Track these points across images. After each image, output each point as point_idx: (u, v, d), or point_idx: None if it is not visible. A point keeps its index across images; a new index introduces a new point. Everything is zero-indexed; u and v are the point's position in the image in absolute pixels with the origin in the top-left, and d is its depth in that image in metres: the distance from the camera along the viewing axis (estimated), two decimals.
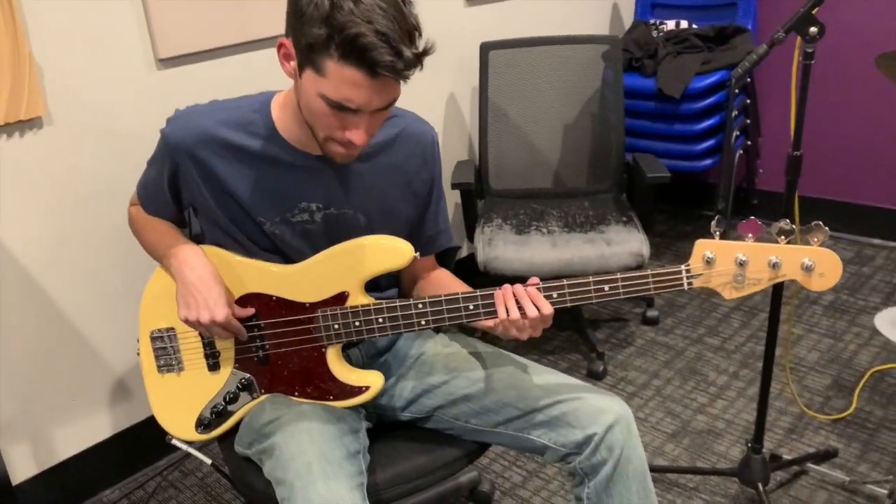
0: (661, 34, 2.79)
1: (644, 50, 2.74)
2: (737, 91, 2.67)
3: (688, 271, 1.20)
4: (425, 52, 1.09)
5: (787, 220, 1.18)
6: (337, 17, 1.05)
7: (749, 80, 2.77)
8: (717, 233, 1.20)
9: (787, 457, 1.89)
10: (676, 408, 2.16)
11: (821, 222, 1.17)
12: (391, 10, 1.06)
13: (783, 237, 1.18)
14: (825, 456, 1.92)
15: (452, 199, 2.59)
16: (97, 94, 1.76)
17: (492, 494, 1.89)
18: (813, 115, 2.98)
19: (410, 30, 1.07)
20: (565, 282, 1.22)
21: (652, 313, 2.57)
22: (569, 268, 2.14)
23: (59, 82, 1.69)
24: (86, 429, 1.92)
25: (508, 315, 1.20)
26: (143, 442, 2.02)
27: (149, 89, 1.84)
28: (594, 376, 2.29)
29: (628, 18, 3.12)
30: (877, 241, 2.99)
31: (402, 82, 1.12)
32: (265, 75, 1.98)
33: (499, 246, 2.20)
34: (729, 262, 1.19)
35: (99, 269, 1.86)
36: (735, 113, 2.70)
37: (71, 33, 1.68)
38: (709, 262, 1.19)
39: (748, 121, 2.87)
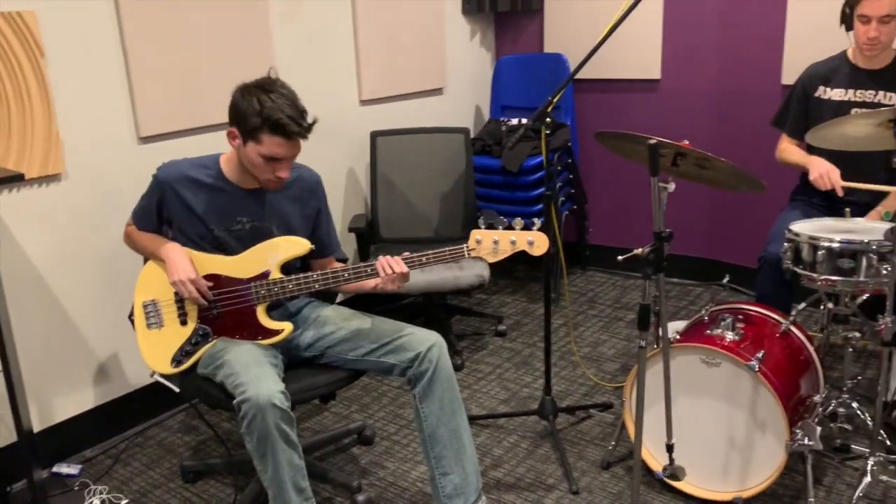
0: (506, 128, 3.79)
1: (494, 139, 3.73)
2: (560, 168, 3.67)
3: (467, 247, 2.07)
4: (313, 123, 2.01)
5: (521, 219, 2.08)
6: (265, 111, 1.95)
7: (570, 160, 3.77)
8: (483, 226, 2.08)
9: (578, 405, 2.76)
10: (510, 385, 3.01)
11: (536, 219, 2.07)
12: (292, 102, 1.99)
13: (518, 227, 2.08)
14: (604, 407, 2.79)
15: (351, 243, 3.46)
16: (97, 160, 2.58)
17: (373, 438, 2.67)
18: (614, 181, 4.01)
19: (303, 112, 1.99)
20: (406, 253, 2.08)
21: (501, 328, 3.45)
22: (433, 285, 3.01)
23: (72, 150, 2.50)
24: (74, 400, 2.63)
25: (386, 273, 2.04)
26: (117, 414, 2.73)
27: (132, 158, 2.67)
28: (455, 368, 3.12)
29: (486, 116, 4.16)
30: (675, 279, 3.98)
31: (303, 140, 2.01)
32: (212, 149, 2.84)
33: None
34: (489, 241, 2.07)
35: (90, 281, 2.62)
36: (560, 184, 3.69)
37: (82, 116, 2.51)
38: (478, 242, 2.07)
39: (573, 191, 3.86)
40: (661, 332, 2.13)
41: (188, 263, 2.06)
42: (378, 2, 3.47)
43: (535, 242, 2.05)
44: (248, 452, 1.93)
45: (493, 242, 2.06)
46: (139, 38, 2.61)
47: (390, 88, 3.62)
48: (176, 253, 2.07)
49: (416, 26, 3.71)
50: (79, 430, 2.64)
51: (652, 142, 1.64)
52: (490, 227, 2.05)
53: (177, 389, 2.20)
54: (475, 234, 2.07)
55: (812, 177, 2.55)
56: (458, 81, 4.04)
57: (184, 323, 2.13)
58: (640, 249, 1.68)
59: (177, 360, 2.13)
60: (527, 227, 2.07)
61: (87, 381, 2.66)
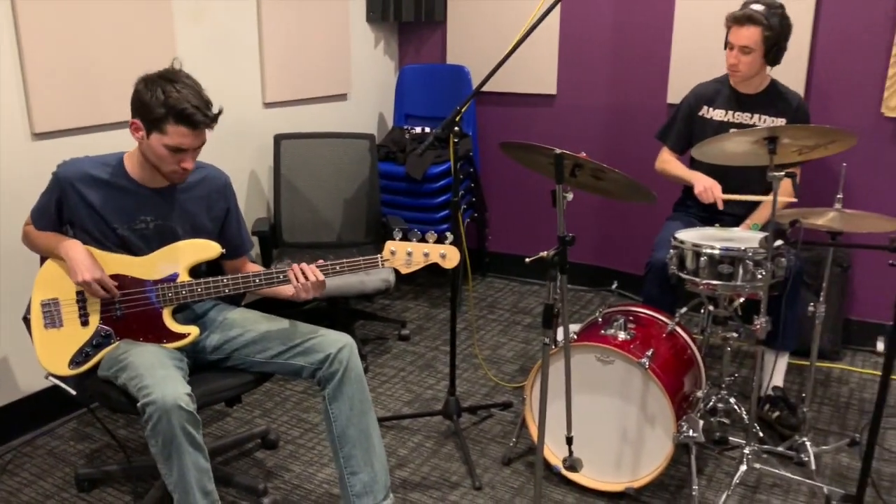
0: (409, 136, 3.87)
1: (398, 146, 3.80)
2: (462, 177, 3.77)
3: (382, 258, 2.12)
4: (219, 113, 2.01)
5: (433, 232, 2.14)
6: (169, 101, 1.94)
7: (472, 170, 3.89)
8: (398, 238, 2.13)
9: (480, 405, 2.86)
10: (413, 387, 3.07)
11: (448, 233, 2.15)
12: (196, 92, 1.98)
13: (432, 241, 2.14)
14: (504, 406, 2.90)
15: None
16: None
17: (277, 442, 2.66)
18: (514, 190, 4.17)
19: (208, 102, 1.99)
20: (321, 261, 2.10)
21: (405, 332, 3.51)
22: (338, 289, 3.03)
23: None
24: None
25: (299, 280, 2.05)
26: (3, 422, 2.59)
27: (25, 154, 2.56)
28: None
29: (390, 123, 4.22)
30: (569, 286, 4.16)
31: (209, 130, 2.01)
32: (111, 147, 2.76)
33: None
34: (403, 253, 2.12)
35: None
36: (462, 192, 3.79)
37: None
38: (393, 253, 2.12)
39: (474, 199, 3.98)
40: (561, 331, 2.24)
41: (91, 261, 2.01)
42: (283, 5, 3.47)
43: (448, 255, 2.11)
44: (147, 458, 1.89)
45: (407, 254, 2.11)
46: (35, 31, 2.51)
47: (295, 92, 3.61)
48: (77, 251, 2.01)
49: (322, 31, 3.72)
50: None
51: (557, 152, 1.75)
52: (404, 238, 2.10)
53: (73, 392, 2.13)
54: (390, 246, 2.11)
55: (697, 190, 2.76)
56: (363, 88, 4.08)
57: (85, 323, 2.07)
58: (546, 252, 1.79)
59: (75, 362, 2.06)
60: (439, 241, 2.12)
61: None
